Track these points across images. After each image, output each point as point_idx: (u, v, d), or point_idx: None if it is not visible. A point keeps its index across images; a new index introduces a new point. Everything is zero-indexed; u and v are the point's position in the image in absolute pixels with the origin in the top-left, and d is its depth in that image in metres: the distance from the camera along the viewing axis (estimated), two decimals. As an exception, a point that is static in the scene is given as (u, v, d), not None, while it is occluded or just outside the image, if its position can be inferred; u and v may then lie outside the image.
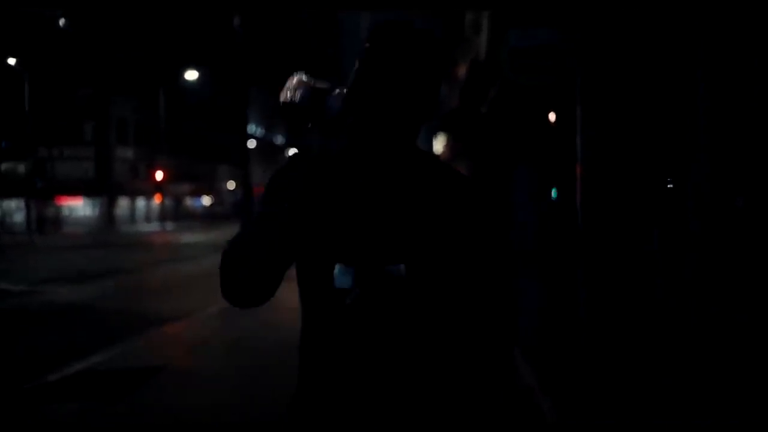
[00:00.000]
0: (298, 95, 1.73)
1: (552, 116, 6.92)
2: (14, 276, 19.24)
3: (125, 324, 11.16)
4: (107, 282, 17.68)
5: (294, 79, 1.76)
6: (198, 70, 47.59)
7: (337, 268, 1.77)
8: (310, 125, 1.75)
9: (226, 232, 23.78)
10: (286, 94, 1.76)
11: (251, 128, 53.27)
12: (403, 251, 1.77)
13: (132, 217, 56.18)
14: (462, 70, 16.08)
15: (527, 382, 6.36)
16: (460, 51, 16.84)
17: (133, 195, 55.91)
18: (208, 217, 60.35)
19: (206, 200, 68.86)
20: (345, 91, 1.76)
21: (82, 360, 8.40)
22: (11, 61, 39.85)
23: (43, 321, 12.06)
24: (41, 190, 42.23)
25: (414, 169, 1.83)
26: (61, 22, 47.93)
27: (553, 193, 6.97)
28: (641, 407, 4.88)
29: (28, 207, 39.61)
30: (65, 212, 48.86)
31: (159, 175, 53.13)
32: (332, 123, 1.75)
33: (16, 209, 44.79)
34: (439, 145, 25.14)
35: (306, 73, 1.76)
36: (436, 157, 1.95)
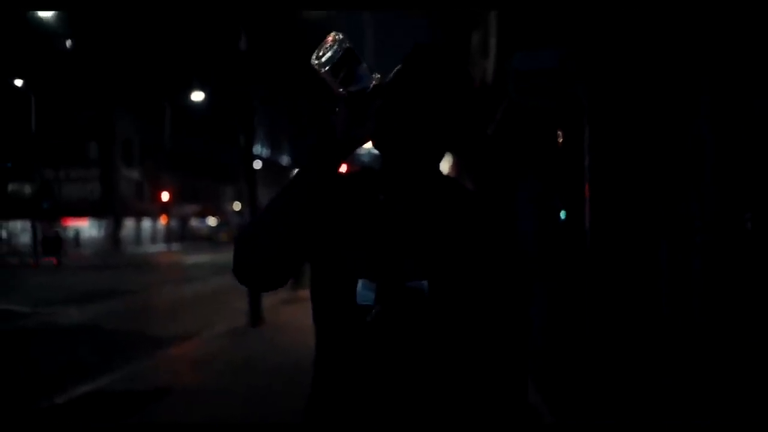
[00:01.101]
0: (333, 49, 1.74)
1: (560, 137, 6.95)
2: (22, 297, 19.27)
3: (133, 344, 11.19)
4: (115, 303, 17.70)
5: (330, 37, 1.76)
6: (203, 90, 47.67)
7: (359, 284, 1.80)
8: (338, 84, 1.74)
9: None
10: (320, 49, 1.76)
11: (257, 149, 53.34)
12: (426, 267, 1.79)
13: (138, 237, 56.16)
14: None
15: (532, 399, 6.36)
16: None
17: (138, 216, 55.92)
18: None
19: (212, 221, 68.85)
20: (377, 75, 1.78)
21: (91, 381, 8.41)
22: (17, 82, 39.96)
23: (50, 342, 12.07)
24: (47, 211, 42.25)
25: (437, 189, 1.87)
26: (68, 43, 48.19)
27: (562, 214, 6.98)
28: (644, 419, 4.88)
29: (34, 228, 39.59)
30: (71, 233, 48.79)
31: (165, 196, 53.23)
32: (358, 98, 1.76)
33: (21, 230, 44.85)
34: (444, 164, 25.24)
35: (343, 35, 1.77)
36: (455, 179, 1.99)
